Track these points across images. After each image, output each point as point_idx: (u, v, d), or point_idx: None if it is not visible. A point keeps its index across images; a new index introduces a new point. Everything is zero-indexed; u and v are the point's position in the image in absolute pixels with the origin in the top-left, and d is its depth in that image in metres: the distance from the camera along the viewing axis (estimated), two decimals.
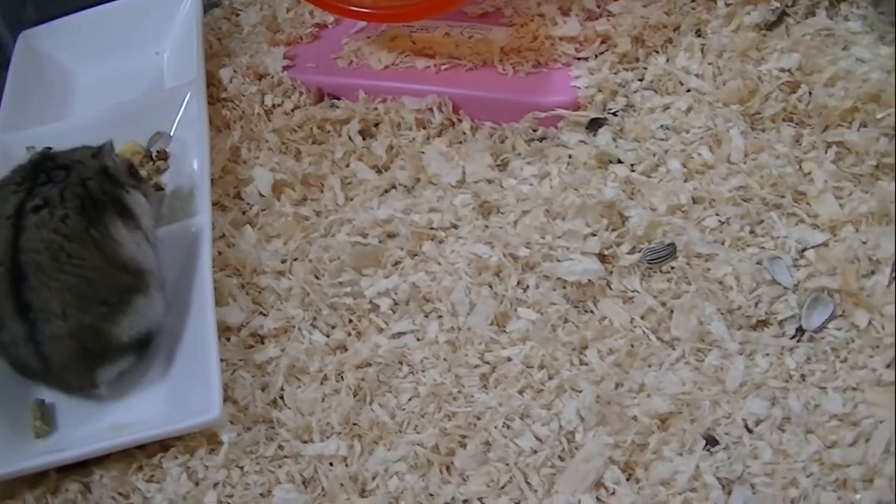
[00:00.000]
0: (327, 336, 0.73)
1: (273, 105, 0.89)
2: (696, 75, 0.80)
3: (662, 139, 0.77)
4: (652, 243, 0.71)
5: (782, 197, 0.72)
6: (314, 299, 0.75)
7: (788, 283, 0.68)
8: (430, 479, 0.64)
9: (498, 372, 0.68)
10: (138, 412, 0.71)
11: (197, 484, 0.67)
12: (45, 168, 0.72)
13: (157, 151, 0.88)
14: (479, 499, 0.63)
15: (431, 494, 0.64)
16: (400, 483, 0.65)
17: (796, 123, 0.76)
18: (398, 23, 0.89)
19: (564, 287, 0.71)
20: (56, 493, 0.69)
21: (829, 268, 0.67)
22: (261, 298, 0.76)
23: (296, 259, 0.78)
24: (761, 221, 0.71)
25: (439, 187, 0.80)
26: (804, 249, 0.69)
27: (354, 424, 0.68)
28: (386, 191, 0.82)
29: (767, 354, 0.65)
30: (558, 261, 0.71)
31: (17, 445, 0.71)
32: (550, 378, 0.67)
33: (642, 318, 0.68)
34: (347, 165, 0.84)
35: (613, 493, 0.62)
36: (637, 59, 0.82)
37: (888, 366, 0.63)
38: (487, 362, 0.69)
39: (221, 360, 0.71)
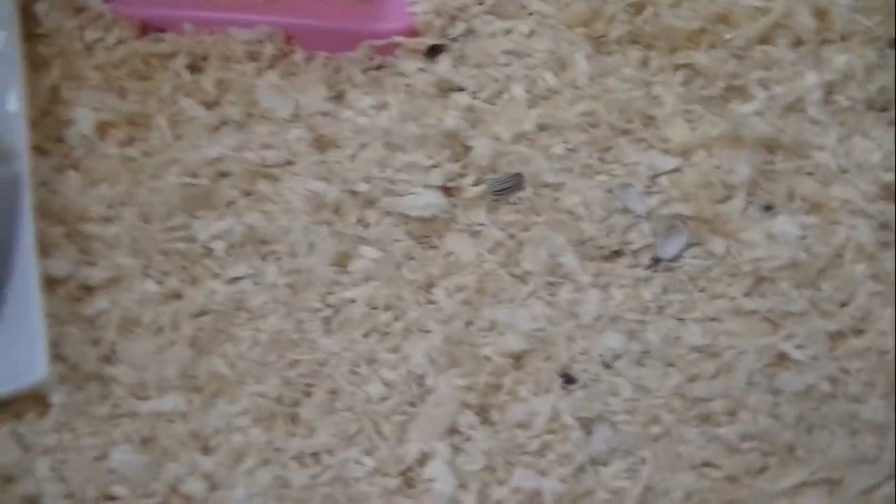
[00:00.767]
0: (160, 284, 0.70)
1: (94, 40, 0.84)
2: None
3: (505, 65, 0.75)
4: (497, 174, 0.70)
5: (631, 122, 0.71)
6: (144, 246, 0.71)
7: (641, 211, 0.67)
8: (275, 431, 0.63)
9: (341, 315, 0.66)
10: None
11: (27, 451, 0.64)
12: None
13: None
14: (329, 451, 0.61)
15: (277, 448, 0.62)
16: (244, 438, 0.63)
17: (644, 46, 0.75)
18: None
19: (407, 223, 0.69)
20: None
21: (683, 194, 0.67)
22: (88, 247, 0.72)
23: (123, 203, 0.74)
24: (610, 148, 0.70)
25: (272, 122, 0.77)
26: (655, 176, 0.69)
27: (192, 377, 0.65)
28: (216, 128, 0.78)
29: (623, 286, 0.65)
30: (399, 195, 0.70)
31: None
32: (396, 319, 0.65)
33: (490, 252, 0.67)
34: (175, 102, 0.80)
35: (469, 439, 0.61)
36: None
37: (747, 294, 0.62)
38: (330, 305, 0.67)
39: (48, 316, 0.67)
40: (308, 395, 0.63)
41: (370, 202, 0.70)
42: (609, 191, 0.68)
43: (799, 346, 0.63)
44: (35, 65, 0.82)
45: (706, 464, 0.61)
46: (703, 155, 0.69)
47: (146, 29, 0.84)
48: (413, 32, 0.78)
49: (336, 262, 0.68)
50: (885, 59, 0.73)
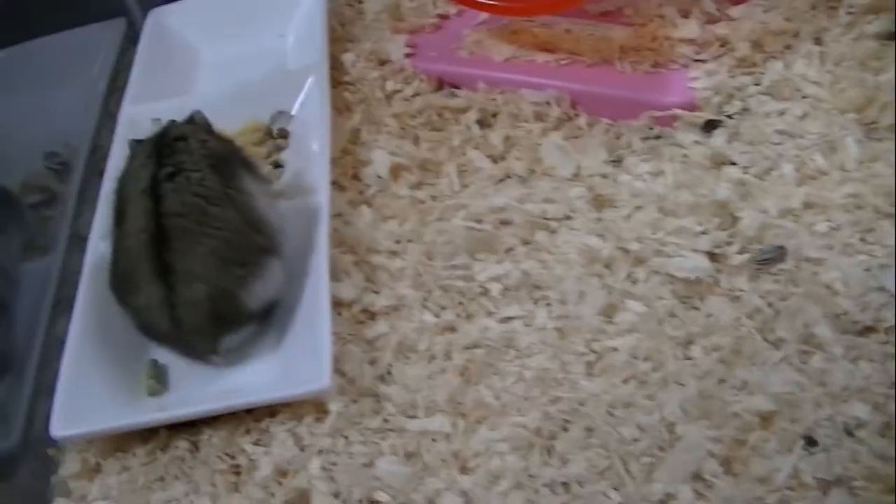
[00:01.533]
0: (437, 317, 0.75)
1: (394, 91, 0.91)
2: (814, 82, 0.80)
3: (777, 143, 0.77)
4: (762, 245, 0.72)
5: (894, 206, 0.72)
6: (426, 280, 0.76)
7: None
8: (530, 459, 0.66)
9: (604, 361, 0.69)
10: (249, 378, 0.74)
11: (302, 450, 0.69)
12: (165, 140, 0.75)
13: (278, 130, 0.90)
14: (579, 482, 0.64)
15: (531, 475, 0.65)
16: (501, 462, 0.66)
17: None
18: (521, 16, 0.90)
19: (673, 283, 0.72)
20: (166, 449, 0.72)
21: None
22: (374, 276, 0.78)
23: (410, 240, 0.80)
24: (872, 229, 0.71)
25: (554, 179, 0.81)
26: None
27: (459, 403, 0.69)
28: (501, 180, 0.83)
29: (872, 360, 0.65)
30: (668, 256, 0.72)
31: (131, 402, 0.74)
32: (655, 370, 0.68)
33: (748, 317, 0.69)
34: (464, 153, 0.85)
35: (711, 486, 0.62)
36: (755, 64, 0.83)
37: None
38: (594, 351, 0.70)
39: (333, 334, 0.72)
40: (565, 429, 0.66)
41: (640, 260, 0.73)
42: (867, 269, 0.69)
43: None
44: (339, 109, 0.90)
45: None
46: None
47: (442, 84, 0.90)
48: (692, 107, 0.81)
49: (603, 312, 0.71)
50: None
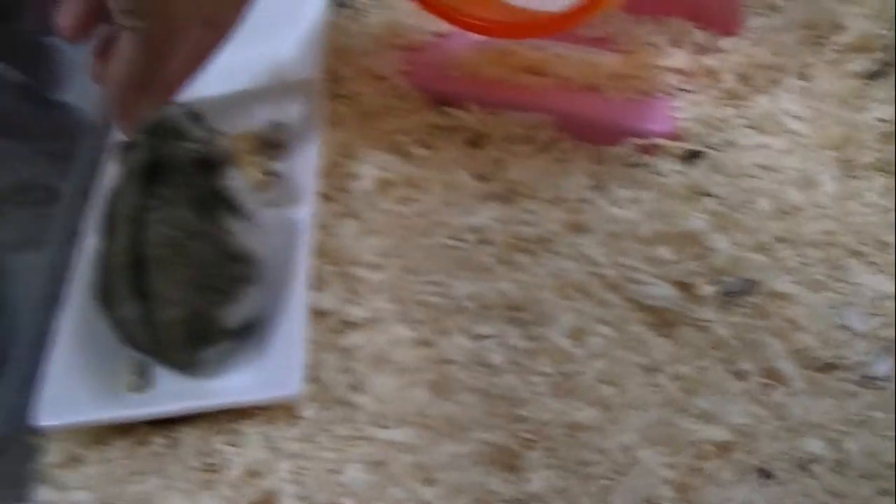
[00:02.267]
0: (413, 331, 0.76)
1: (387, 106, 0.92)
2: (797, 117, 0.82)
3: (755, 177, 0.79)
4: (732, 277, 0.73)
5: (865, 245, 0.73)
6: (404, 294, 0.78)
7: (860, 330, 0.69)
8: (492, 476, 0.67)
9: (569, 383, 0.70)
10: (227, 381, 0.76)
11: (273, 452, 0.71)
12: (157, 168, 0.76)
13: (273, 139, 0.92)
14: (538, 500, 0.66)
15: (491, 490, 0.67)
16: (463, 476, 0.67)
17: (889, 174, 0.77)
18: (514, 39, 0.92)
19: (642, 310, 0.73)
20: (143, 444, 0.74)
21: None
22: (354, 288, 0.80)
23: (392, 255, 0.81)
24: (841, 267, 0.73)
25: (535, 201, 0.82)
26: (880, 299, 0.71)
27: (428, 416, 0.71)
28: (485, 200, 0.84)
29: (831, 396, 0.67)
30: (640, 284, 0.74)
31: (112, 396, 0.76)
32: (618, 395, 0.69)
33: (713, 347, 0.70)
34: (452, 171, 0.87)
35: None
36: (740, 97, 0.84)
37: None
38: (561, 373, 0.71)
39: (310, 342, 0.75)
40: (528, 448, 0.68)
41: (612, 286, 0.75)
42: (833, 307, 0.70)
43: None
44: (333, 122, 0.91)
45: None
46: None
47: (435, 103, 0.91)
48: (675, 136, 0.82)
49: (572, 335, 0.73)
50: None
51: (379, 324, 0.77)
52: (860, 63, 0.83)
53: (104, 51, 0.76)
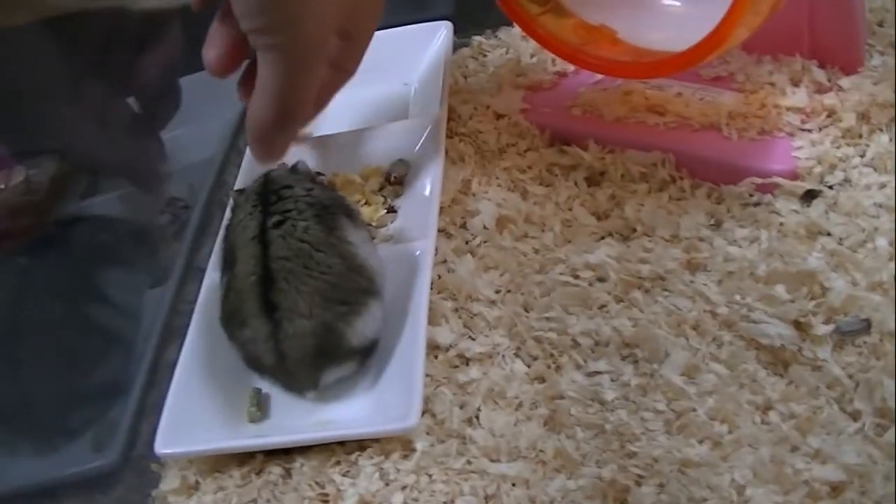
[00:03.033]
0: (528, 366, 0.77)
1: (507, 144, 0.94)
2: None
3: (874, 216, 0.78)
4: (848, 316, 0.73)
5: None
6: (520, 330, 0.79)
7: None
8: None
9: (681, 420, 0.70)
10: (344, 412, 0.77)
11: (387, 484, 0.72)
12: (270, 189, 0.78)
13: (395, 176, 0.94)
14: None
15: None
16: None
17: None
18: (635, 78, 0.92)
19: (757, 348, 0.73)
20: (260, 473, 0.75)
21: None
22: (471, 323, 0.81)
23: (509, 291, 0.83)
24: None
25: (653, 239, 0.83)
26: None
27: (541, 451, 0.71)
28: (602, 237, 0.85)
29: None
30: (755, 322, 0.74)
31: (232, 426, 0.77)
32: (730, 432, 0.69)
33: (828, 386, 0.70)
34: (570, 209, 0.88)
35: None
36: (860, 136, 0.84)
37: None
38: (674, 410, 0.71)
39: (426, 376, 0.76)
40: (639, 484, 0.67)
41: (727, 325, 0.75)
42: None
43: None
44: (453, 159, 0.93)
45: None
46: None
47: (554, 140, 0.93)
48: (794, 175, 0.82)
49: (686, 372, 0.73)
50: None
51: (495, 359, 0.78)
52: None
53: (247, 81, 0.77)
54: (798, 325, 0.73)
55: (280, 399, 0.79)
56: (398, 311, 0.80)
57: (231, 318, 0.77)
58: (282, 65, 0.72)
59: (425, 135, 0.94)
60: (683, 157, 0.87)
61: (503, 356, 0.78)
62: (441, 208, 0.88)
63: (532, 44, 1.01)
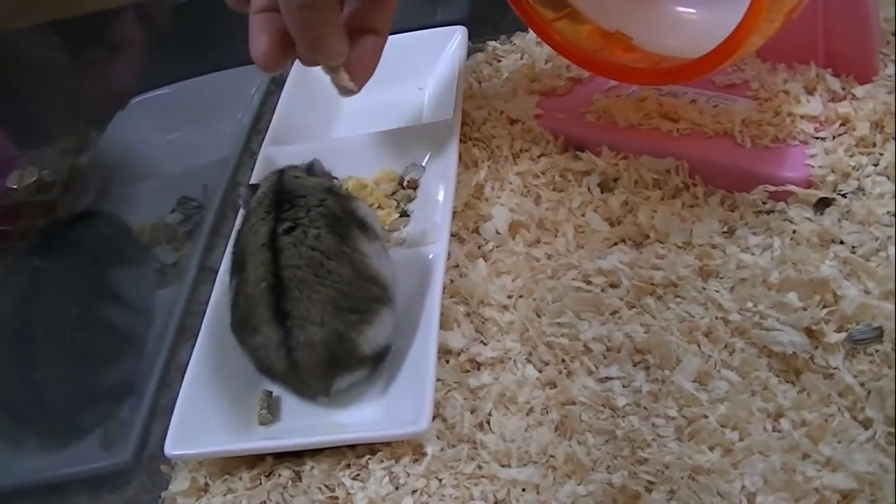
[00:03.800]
0: (539, 371, 0.77)
1: (520, 150, 0.95)
2: None
3: (887, 225, 0.78)
4: (860, 324, 0.72)
5: None
6: (532, 335, 0.79)
7: None
8: None
9: (692, 427, 0.70)
10: (354, 416, 0.77)
11: (397, 488, 0.72)
12: (284, 196, 0.78)
13: (408, 180, 0.94)
14: None
15: None
16: None
17: None
18: (649, 85, 0.93)
19: (769, 356, 0.73)
20: (270, 476, 0.76)
21: None
22: (483, 328, 0.81)
23: (521, 296, 0.83)
24: None
25: (665, 246, 0.83)
26: None
27: (551, 456, 0.71)
28: (615, 243, 0.85)
29: None
30: (767, 330, 0.73)
31: (242, 429, 0.78)
32: (741, 439, 0.69)
33: (840, 395, 0.70)
34: (583, 215, 0.88)
35: None
36: (874, 144, 0.84)
37: None
38: (685, 417, 0.71)
39: (438, 380, 0.76)
40: (649, 490, 0.67)
41: (739, 332, 0.75)
42: None
43: None
44: (467, 164, 0.93)
45: None
46: None
47: (567, 146, 0.93)
48: (807, 184, 0.82)
49: (698, 379, 0.73)
50: None
51: (506, 364, 0.78)
52: None
53: None
54: (810, 333, 0.73)
55: (290, 402, 0.80)
56: (410, 315, 0.80)
57: (242, 325, 0.77)
58: None
59: (439, 139, 0.94)
60: (697, 164, 0.87)
61: (515, 361, 0.78)
62: (454, 213, 0.88)
63: (547, 49, 1.00)
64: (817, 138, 0.85)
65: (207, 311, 0.84)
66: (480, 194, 0.91)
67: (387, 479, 0.73)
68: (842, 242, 0.78)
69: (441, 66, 1.05)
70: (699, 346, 0.75)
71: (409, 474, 0.73)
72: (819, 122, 0.86)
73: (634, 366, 0.76)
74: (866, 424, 0.68)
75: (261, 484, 0.75)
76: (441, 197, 0.89)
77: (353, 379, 0.77)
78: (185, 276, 0.94)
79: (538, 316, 0.81)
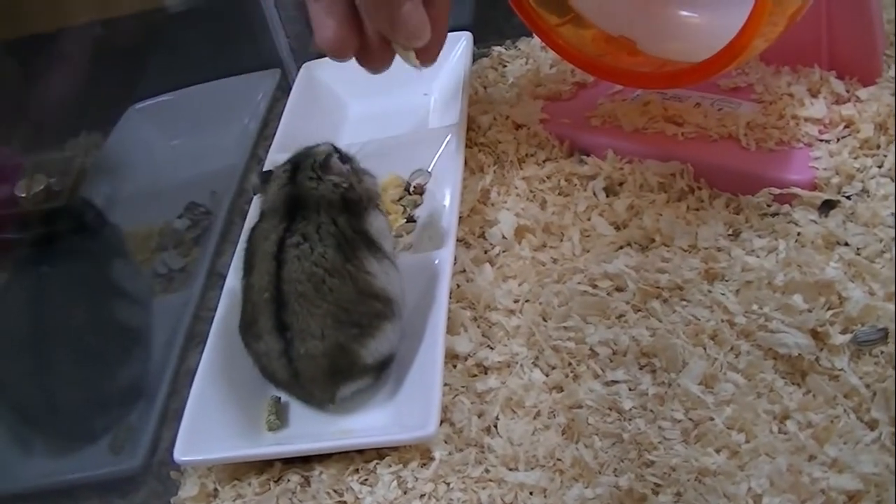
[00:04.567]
0: (546, 375, 0.77)
1: (526, 154, 0.95)
2: None
3: (891, 227, 0.78)
4: (865, 326, 0.73)
5: None
6: (539, 339, 0.79)
7: None
8: None
9: (699, 429, 0.70)
10: (362, 421, 0.77)
11: (405, 492, 0.72)
12: (298, 204, 0.78)
13: (415, 186, 0.94)
14: None
15: None
16: None
17: None
18: (654, 89, 0.93)
19: (774, 358, 0.73)
20: (279, 481, 0.76)
21: None
22: (490, 332, 0.81)
23: (527, 300, 0.83)
24: None
25: (671, 249, 0.83)
26: None
27: (559, 460, 0.72)
28: (621, 247, 0.85)
29: None
30: (772, 332, 0.74)
31: (251, 435, 0.78)
32: (748, 441, 0.69)
33: (845, 396, 0.70)
34: (588, 219, 0.88)
35: None
36: (878, 146, 0.84)
37: None
38: (691, 419, 0.71)
39: (445, 385, 0.76)
40: (655, 493, 0.67)
41: (744, 334, 0.75)
42: None
43: None
44: (472, 169, 0.93)
45: None
46: None
47: (573, 150, 0.93)
48: (812, 186, 0.82)
49: (704, 382, 0.73)
50: None
51: (513, 368, 0.78)
52: None
53: None
54: (815, 335, 0.73)
55: (298, 407, 0.80)
56: (417, 320, 0.80)
57: (248, 330, 0.78)
58: None
59: (445, 145, 0.95)
60: (702, 168, 0.87)
61: (521, 365, 0.78)
62: (460, 218, 0.88)
63: (551, 54, 1.01)
64: (821, 141, 0.86)
65: (216, 317, 0.84)
66: (486, 199, 0.92)
67: (395, 483, 0.73)
68: (846, 244, 0.79)
69: (447, 72, 1.05)
70: (705, 348, 0.75)
71: (417, 479, 0.73)
72: (823, 124, 0.87)
73: (641, 369, 0.76)
74: (872, 425, 0.68)
75: (270, 489, 0.75)
76: (447, 202, 0.89)
77: (357, 387, 0.78)
78: (193, 282, 0.95)
79: (544, 320, 0.81)
